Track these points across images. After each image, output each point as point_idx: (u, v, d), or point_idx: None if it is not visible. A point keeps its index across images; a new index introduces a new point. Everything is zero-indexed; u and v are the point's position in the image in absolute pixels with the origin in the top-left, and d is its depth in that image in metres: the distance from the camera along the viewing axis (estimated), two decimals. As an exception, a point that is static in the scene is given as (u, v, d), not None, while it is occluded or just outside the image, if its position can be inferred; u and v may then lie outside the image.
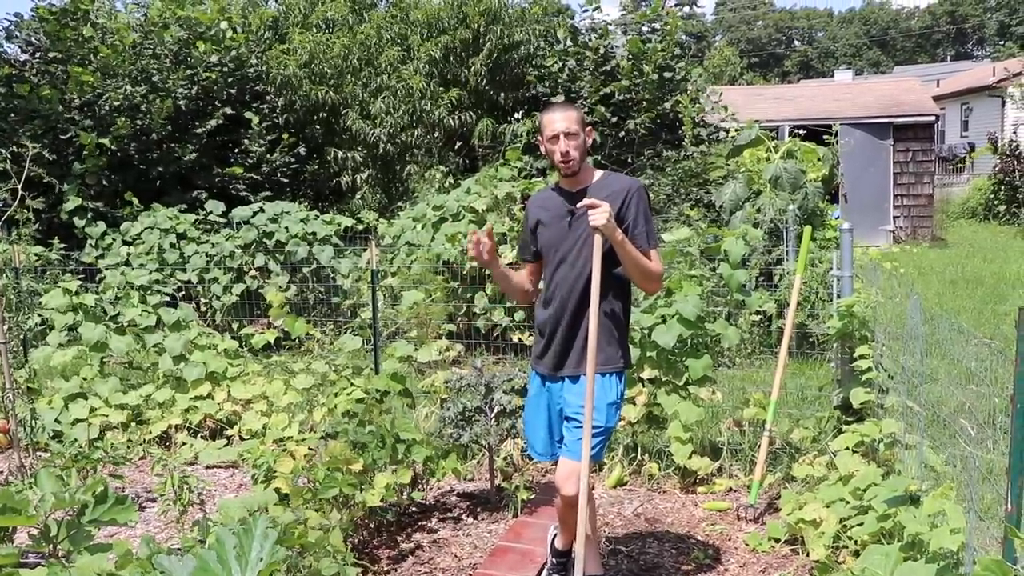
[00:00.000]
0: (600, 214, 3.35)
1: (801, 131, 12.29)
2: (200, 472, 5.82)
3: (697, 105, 13.06)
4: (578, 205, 3.48)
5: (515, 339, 8.50)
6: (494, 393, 5.10)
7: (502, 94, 14.00)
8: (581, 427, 3.51)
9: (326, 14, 14.68)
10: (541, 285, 3.84)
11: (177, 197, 11.64)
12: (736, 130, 11.54)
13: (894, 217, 18.51)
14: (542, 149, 3.67)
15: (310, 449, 4.78)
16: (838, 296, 5.56)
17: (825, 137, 11.46)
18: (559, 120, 3.53)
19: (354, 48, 13.64)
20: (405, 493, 4.99)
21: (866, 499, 3.96)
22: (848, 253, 5.41)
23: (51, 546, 2.88)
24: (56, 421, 6.21)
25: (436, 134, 13.44)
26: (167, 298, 9.13)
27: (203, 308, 9.72)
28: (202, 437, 6.28)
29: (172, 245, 9.89)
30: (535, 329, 3.81)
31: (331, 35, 14.15)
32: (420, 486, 5.17)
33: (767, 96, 22.04)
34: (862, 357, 4.98)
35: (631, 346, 5.20)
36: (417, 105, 13.14)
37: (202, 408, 6.28)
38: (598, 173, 3.71)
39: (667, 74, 13.06)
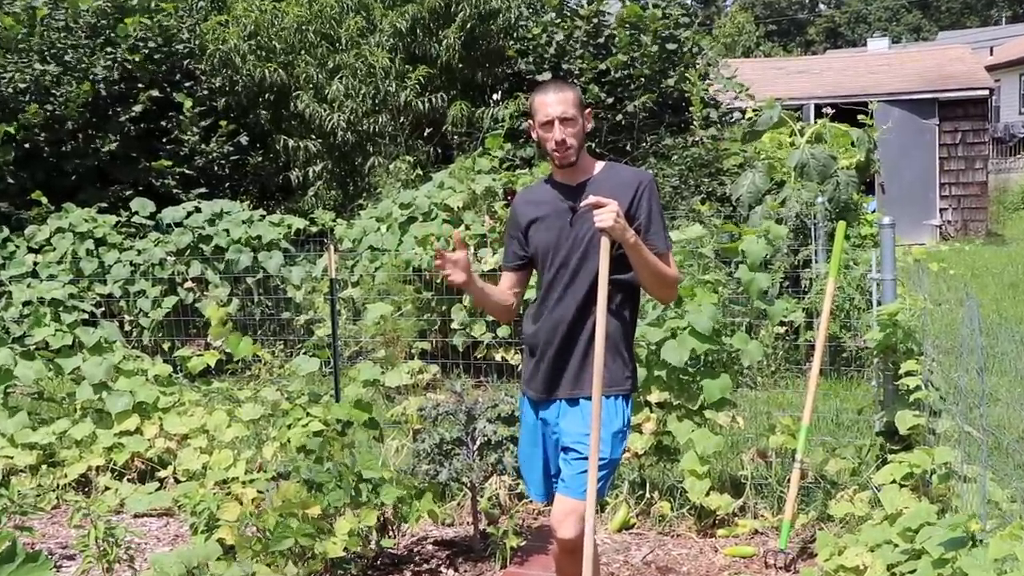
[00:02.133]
0: (607, 214, 3.35)
1: (830, 110, 12.33)
2: (128, 522, 5.76)
3: (707, 82, 13.10)
4: (582, 203, 3.46)
5: (499, 358, 8.49)
6: (476, 422, 5.08)
7: (479, 72, 13.99)
8: (581, 458, 3.47)
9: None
10: (531, 295, 3.81)
11: (95, 195, 11.56)
12: (753, 110, 11.58)
13: (941, 210, 18.64)
14: (533, 136, 3.67)
15: (259, 492, 4.74)
16: (878, 303, 5.58)
17: (859, 117, 11.52)
18: (553, 103, 3.53)
19: (311, 19, 13.62)
20: (372, 541, 4.96)
21: (918, 541, 3.95)
22: (889, 252, 5.43)
23: (-50, 613, 2.83)
24: (-51, 465, 6.14)
25: (402, 119, 13.43)
26: (85, 315, 9.06)
27: (129, 327, 9.65)
28: (129, 480, 6.22)
29: (89, 252, 9.81)
30: (524, 347, 3.79)
31: (282, 3, 14.11)
32: (390, 532, 5.14)
33: (789, 70, 22.18)
34: (909, 374, 4.99)
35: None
36: (381, 86, 13.13)
37: (129, 446, 6.22)
38: (599, 164, 3.72)
39: (670, 46, 13.11)
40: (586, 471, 3.41)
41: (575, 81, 12.89)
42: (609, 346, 3.51)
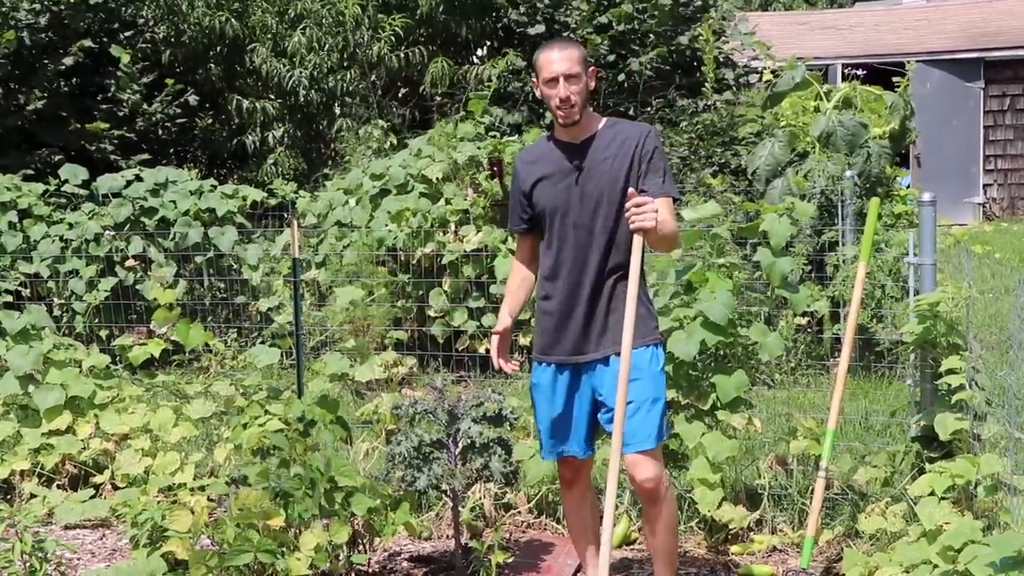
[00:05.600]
0: (650, 216, 3.79)
1: (860, 72, 12.37)
2: (58, 534, 5.75)
3: (722, 39, 13.12)
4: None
5: (483, 350, 8.49)
6: (459, 422, 5.07)
7: (463, 24, 13.96)
8: (632, 410, 4.06)
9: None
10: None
11: (18, 160, 11.50)
12: (773, 72, 11.58)
13: (985, 185, 18.68)
14: (537, 93, 4.19)
15: (211, 500, 4.74)
16: (915, 291, 5.58)
17: (893, 79, 11.54)
18: (558, 59, 4.03)
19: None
20: (342, 557, 4.96)
21: (961, 562, 3.97)
22: (930, 233, 5.44)
23: None
24: None
25: (374, 77, 13.40)
26: (8, 298, 9.02)
27: (59, 311, 9.62)
28: (59, 487, 6.19)
29: (12, 225, 9.75)
30: (539, 311, 4.28)
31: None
32: (361, 547, 5.14)
33: (814, 25, 22.22)
34: (951, 372, 5.00)
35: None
36: (350, 38, 13.10)
37: (59, 447, 6.19)
38: (603, 120, 4.22)
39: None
40: (636, 415, 4.07)
41: (572, 34, 12.89)
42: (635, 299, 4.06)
